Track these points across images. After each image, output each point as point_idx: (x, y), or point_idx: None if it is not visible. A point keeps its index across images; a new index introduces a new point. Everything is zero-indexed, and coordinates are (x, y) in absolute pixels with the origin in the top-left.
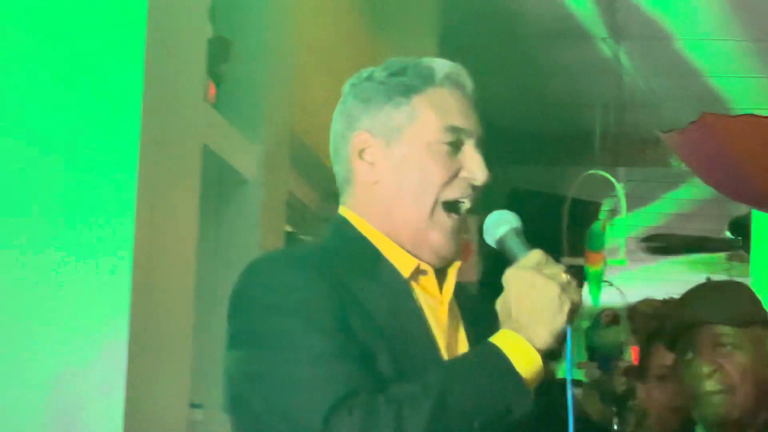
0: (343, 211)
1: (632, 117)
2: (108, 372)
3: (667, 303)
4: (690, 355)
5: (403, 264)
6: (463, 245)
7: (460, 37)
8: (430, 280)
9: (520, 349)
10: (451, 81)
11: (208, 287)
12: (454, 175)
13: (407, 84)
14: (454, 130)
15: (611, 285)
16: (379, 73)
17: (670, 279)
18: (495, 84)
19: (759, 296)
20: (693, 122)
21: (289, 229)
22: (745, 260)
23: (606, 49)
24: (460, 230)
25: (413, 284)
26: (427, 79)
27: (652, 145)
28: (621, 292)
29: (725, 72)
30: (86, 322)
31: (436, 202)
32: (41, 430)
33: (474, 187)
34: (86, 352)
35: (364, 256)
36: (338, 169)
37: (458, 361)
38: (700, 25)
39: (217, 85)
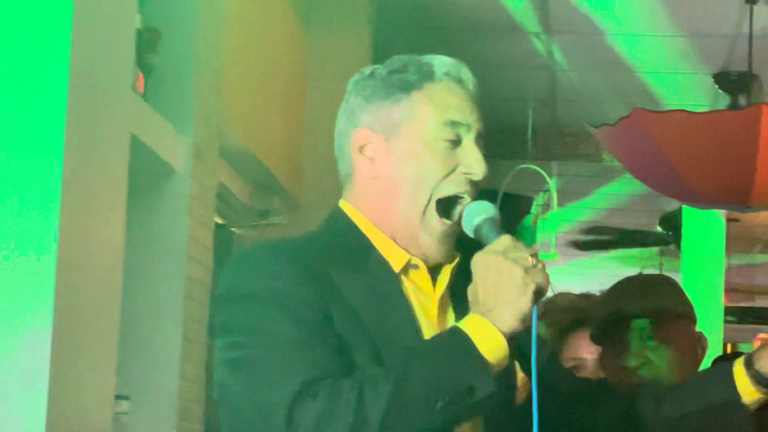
0: (342, 204)
1: (565, 112)
2: (31, 364)
3: (584, 297)
4: (618, 349)
5: (395, 258)
6: None
7: (392, 30)
8: (421, 275)
9: (485, 332)
10: (452, 77)
11: (135, 278)
12: (452, 171)
13: (407, 80)
14: (453, 125)
15: None
16: (381, 71)
17: (602, 273)
18: None
19: (685, 291)
20: (624, 117)
21: (219, 220)
22: (675, 255)
23: (539, 45)
24: (451, 235)
25: (403, 278)
26: (426, 75)
27: (585, 140)
28: (552, 287)
29: (657, 68)
30: (9, 313)
31: (430, 200)
32: None
33: (473, 183)
34: (9, 344)
35: (355, 249)
36: (341, 165)
37: (423, 345)
38: (633, 22)
39: (146, 75)
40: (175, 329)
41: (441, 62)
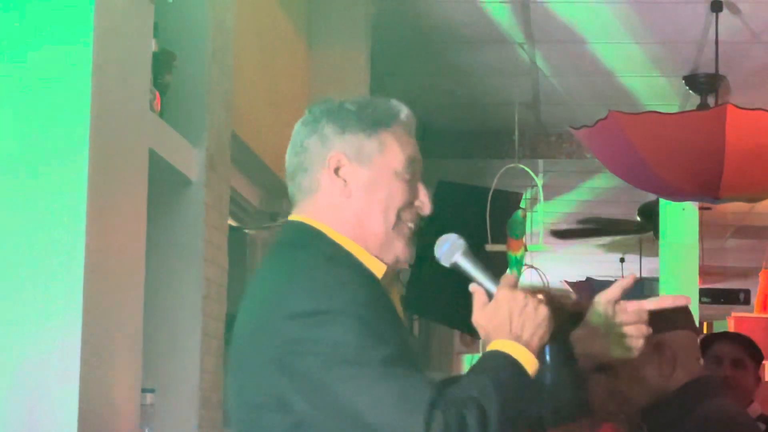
0: (304, 219)
1: (548, 114)
2: (63, 362)
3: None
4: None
5: (376, 266)
6: None
7: (387, 45)
8: (391, 280)
9: (529, 360)
10: (409, 121)
11: (158, 281)
12: (410, 202)
13: (378, 119)
14: (413, 161)
15: (534, 268)
16: (349, 106)
17: (587, 260)
18: (425, 87)
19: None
20: (601, 119)
21: (233, 223)
22: (654, 242)
23: (523, 53)
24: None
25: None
26: (392, 117)
27: (567, 139)
28: (542, 275)
29: (632, 72)
30: (42, 316)
31: (398, 218)
32: (4, 416)
33: (420, 217)
34: (43, 345)
35: (345, 261)
36: (301, 180)
37: (493, 373)
38: (610, 30)
39: (162, 94)
40: (196, 326)
41: (402, 108)
